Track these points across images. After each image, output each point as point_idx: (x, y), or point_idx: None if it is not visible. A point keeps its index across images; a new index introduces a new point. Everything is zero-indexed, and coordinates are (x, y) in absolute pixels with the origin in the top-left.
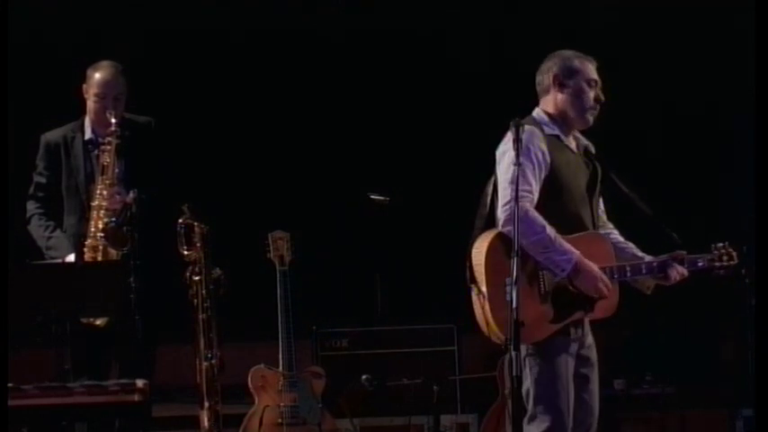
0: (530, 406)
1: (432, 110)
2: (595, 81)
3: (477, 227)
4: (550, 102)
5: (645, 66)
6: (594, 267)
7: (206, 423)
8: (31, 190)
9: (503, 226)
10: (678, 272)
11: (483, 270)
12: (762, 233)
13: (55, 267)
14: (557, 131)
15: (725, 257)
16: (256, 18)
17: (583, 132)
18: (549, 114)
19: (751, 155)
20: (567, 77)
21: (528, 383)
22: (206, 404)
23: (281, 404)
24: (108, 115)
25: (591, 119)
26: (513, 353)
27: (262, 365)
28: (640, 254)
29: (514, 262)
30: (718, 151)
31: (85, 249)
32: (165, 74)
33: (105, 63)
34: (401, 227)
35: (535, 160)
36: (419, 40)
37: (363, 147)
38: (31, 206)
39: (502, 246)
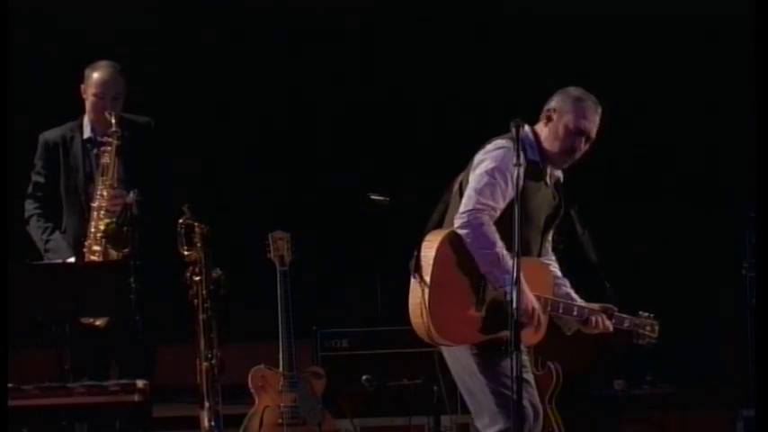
0: (484, 408)
1: (432, 110)
2: (582, 131)
3: (432, 220)
4: (539, 128)
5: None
6: (531, 296)
7: (206, 423)
8: (30, 189)
9: (456, 229)
10: (602, 323)
11: (431, 263)
12: (762, 233)
13: (55, 267)
14: (537, 158)
15: (647, 328)
16: (256, 18)
17: None
18: (537, 138)
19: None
20: (557, 114)
21: (473, 384)
22: (206, 404)
23: (282, 404)
24: (107, 115)
25: (563, 165)
26: (514, 353)
27: (262, 366)
28: (573, 294)
29: (515, 262)
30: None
31: (85, 250)
32: (165, 74)
33: (104, 63)
34: (401, 227)
35: (509, 180)
36: (419, 41)
37: (363, 147)
38: (30, 206)
39: (452, 246)
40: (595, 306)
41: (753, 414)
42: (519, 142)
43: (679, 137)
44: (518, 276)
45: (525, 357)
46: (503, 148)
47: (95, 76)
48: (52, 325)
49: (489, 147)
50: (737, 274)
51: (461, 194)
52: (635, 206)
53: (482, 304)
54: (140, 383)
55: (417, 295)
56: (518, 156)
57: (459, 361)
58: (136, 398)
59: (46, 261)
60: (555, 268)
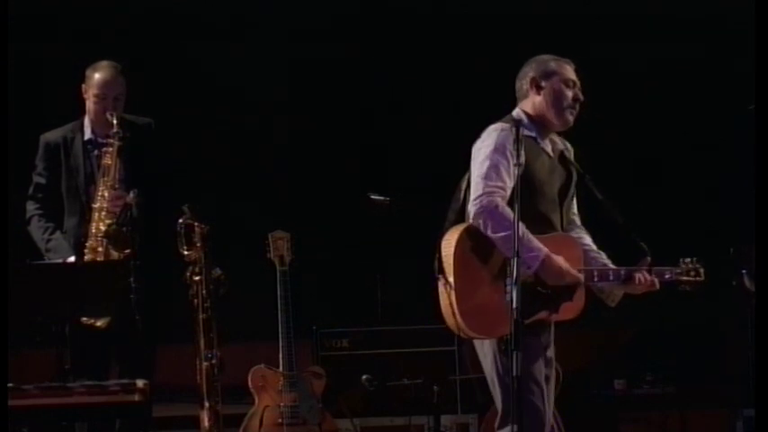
0: (502, 406)
1: (432, 110)
2: (573, 81)
3: (448, 219)
4: (529, 104)
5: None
6: (563, 262)
7: (206, 423)
8: (31, 190)
9: (473, 219)
10: (645, 278)
11: (451, 261)
12: (762, 233)
13: (55, 267)
14: (534, 134)
15: (692, 273)
16: (256, 17)
17: (567, 135)
18: (528, 115)
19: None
20: (543, 79)
21: (497, 382)
22: (206, 404)
23: (282, 404)
24: (108, 116)
25: (571, 118)
26: (515, 352)
27: (262, 365)
28: (609, 263)
29: (515, 262)
30: (718, 150)
31: (86, 251)
32: (166, 74)
33: (105, 63)
34: (401, 227)
35: (510, 156)
36: (419, 41)
37: (364, 147)
38: (31, 207)
39: (471, 239)
40: (631, 268)
41: (753, 414)
42: (519, 142)
43: (679, 136)
44: (518, 276)
45: (551, 338)
46: (496, 130)
47: (96, 76)
48: (52, 325)
49: (484, 135)
50: (737, 275)
51: (469, 188)
52: (635, 206)
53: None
54: (140, 383)
55: (445, 297)
56: (518, 156)
57: (487, 357)
58: (136, 398)
59: (46, 261)
60: (588, 241)
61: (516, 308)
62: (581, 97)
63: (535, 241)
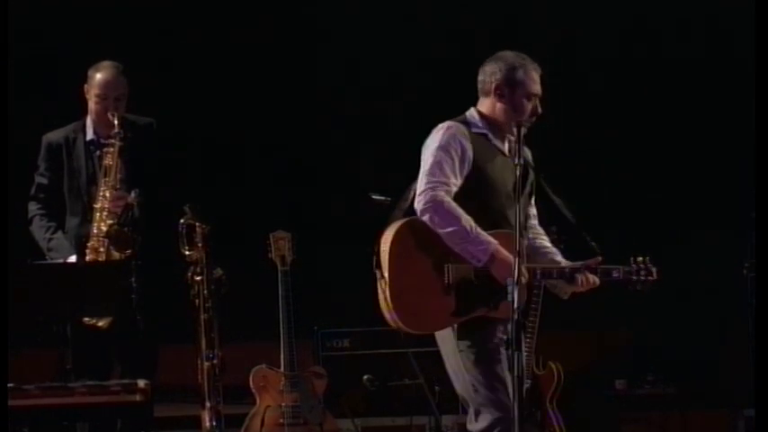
0: (473, 400)
1: (432, 110)
2: (535, 95)
3: (395, 216)
4: (488, 105)
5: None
6: (510, 257)
7: (207, 423)
8: (33, 191)
9: (420, 215)
10: (587, 279)
11: (386, 257)
12: (762, 233)
13: (56, 267)
14: (485, 131)
15: (642, 273)
16: (256, 17)
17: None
18: (482, 115)
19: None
20: (508, 87)
21: (465, 378)
22: (207, 404)
23: (283, 404)
24: (110, 116)
25: (524, 130)
26: (515, 352)
27: (263, 365)
28: (560, 260)
29: (516, 262)
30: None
31: (88, 251)
32: (166, 74)
33: (106, 63)
34: None
35: (455, 155)
36: (418, 41)
37: (365, 146)
38: (33, 207)
39: (408, 235)
40: (578, 264)
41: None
42: (519, 143)
43: (678, 136)
44: (518, 277)
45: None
46: (443, 129)
47: (98, 76)
48: (54, 324)
49: (432, 133)
50: (738, 274)
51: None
52: (635, 206)
53: (450, 288)
54: (142, 383)
55: (380, 292)
56: (519, 155)
57: (450, 356)
58: (137, 398)
59: (48, 260)
60: (541, 240)
61: (517, 308)
62: (539, 111)
63: (484, 235)
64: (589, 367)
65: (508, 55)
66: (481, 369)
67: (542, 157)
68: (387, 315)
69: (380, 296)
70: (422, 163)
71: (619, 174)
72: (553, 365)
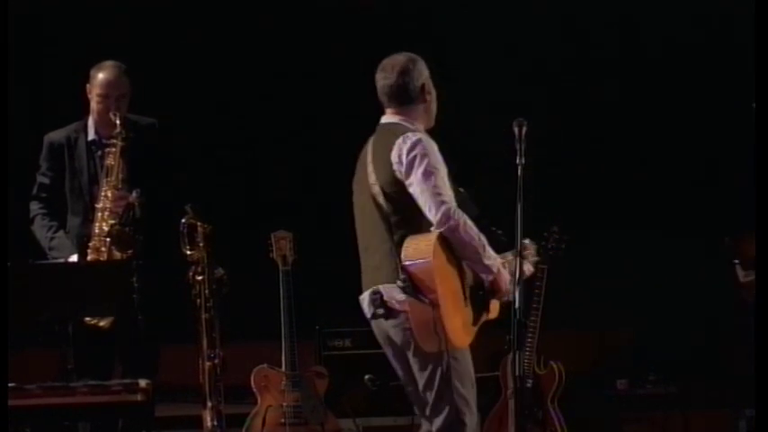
0: (445, 406)
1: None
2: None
3: (364, 233)
4: (419, 111)
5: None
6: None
7: (209, 423)
8: (35, 190)
9: (450, 232)
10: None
11: (434, 278)
12: (762, 232)
13: (58, 267)
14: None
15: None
16: (257, 17)
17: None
18: (417, 123)
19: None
20: (428, 85)
21: (440, 386)
22: (209, 404)
23: (284, 404)
24: (112, 116)
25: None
26: (516, 353)
27: (265, 365)
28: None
29: (517, 262)
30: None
31: (89, 250)
32: (167, 74)
33: (109, 63)
34: None
35: (442, 167)
36: (418, 41)
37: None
38: (35, 206)
39: (442, 254)
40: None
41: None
42: (521, 142)
43: (678, 136)
44: (520, 277)
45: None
46: (417, 138)
47: (100, 76)
48: (55, 324)
49: (407, 143)
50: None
51: (389, 198)
52: (634, 206)
53: (467, 300)
54: (143, 383)
55: (427, 317)
56: (520, 155)
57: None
58: (138, 397)
59: (50, 259)
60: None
61: (518, 308)
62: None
63: (490, 249)
64: (590, 367)
65: (414, 55)
66: (467, 374)
67: (542, 157)
68: (430, 337)
69: (418, 317)
70: (416, 177)
71: (619, 174)
72: (554, 365)
